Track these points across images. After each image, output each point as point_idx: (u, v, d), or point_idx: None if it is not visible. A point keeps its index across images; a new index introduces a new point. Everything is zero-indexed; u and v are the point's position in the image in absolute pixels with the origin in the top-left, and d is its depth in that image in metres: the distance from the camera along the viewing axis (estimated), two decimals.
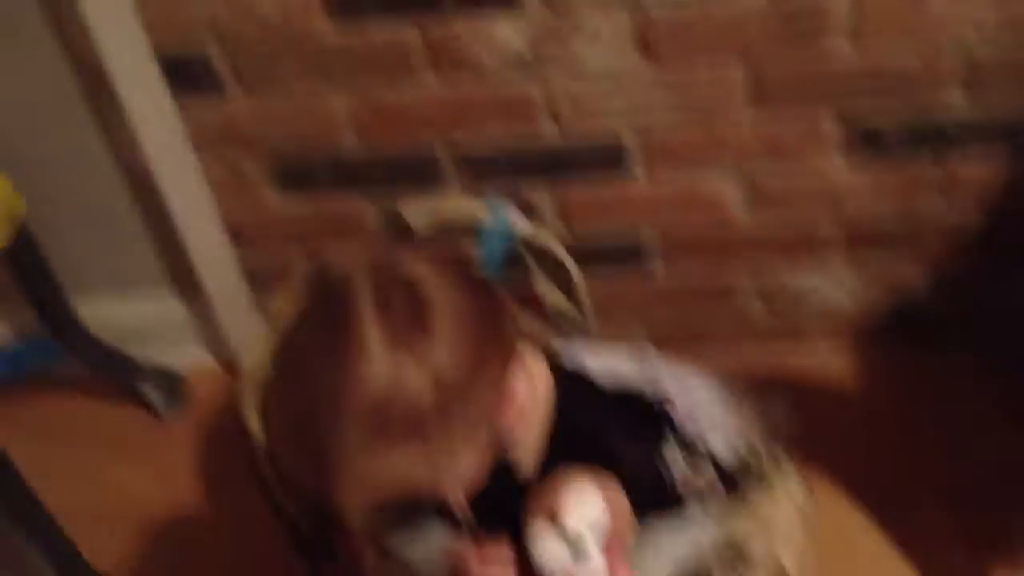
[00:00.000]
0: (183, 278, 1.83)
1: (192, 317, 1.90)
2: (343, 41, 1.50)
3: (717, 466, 1.04)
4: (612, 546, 0.94)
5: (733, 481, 1.05)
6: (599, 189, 1.63)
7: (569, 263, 1.16)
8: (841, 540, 1.53)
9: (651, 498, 1.01)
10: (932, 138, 1.55)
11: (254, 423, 1.36)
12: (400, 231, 1.22)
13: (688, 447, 1.03)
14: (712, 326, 1.80)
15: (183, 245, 1.74)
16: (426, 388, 0.85)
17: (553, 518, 0.94)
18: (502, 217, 1.19)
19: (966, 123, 1.53)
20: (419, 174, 1.63)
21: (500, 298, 0.93)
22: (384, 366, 0.84)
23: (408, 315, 0.86)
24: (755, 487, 1.06)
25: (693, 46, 1.47)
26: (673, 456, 1.02)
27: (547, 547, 0.95)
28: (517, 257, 1.18)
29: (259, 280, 1.81)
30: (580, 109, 1.55)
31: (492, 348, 0.90)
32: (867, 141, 1.56)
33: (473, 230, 1.18)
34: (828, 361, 1.81)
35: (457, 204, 1.26)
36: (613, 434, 1.03)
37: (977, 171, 1.58)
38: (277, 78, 1.54)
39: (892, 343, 1.80)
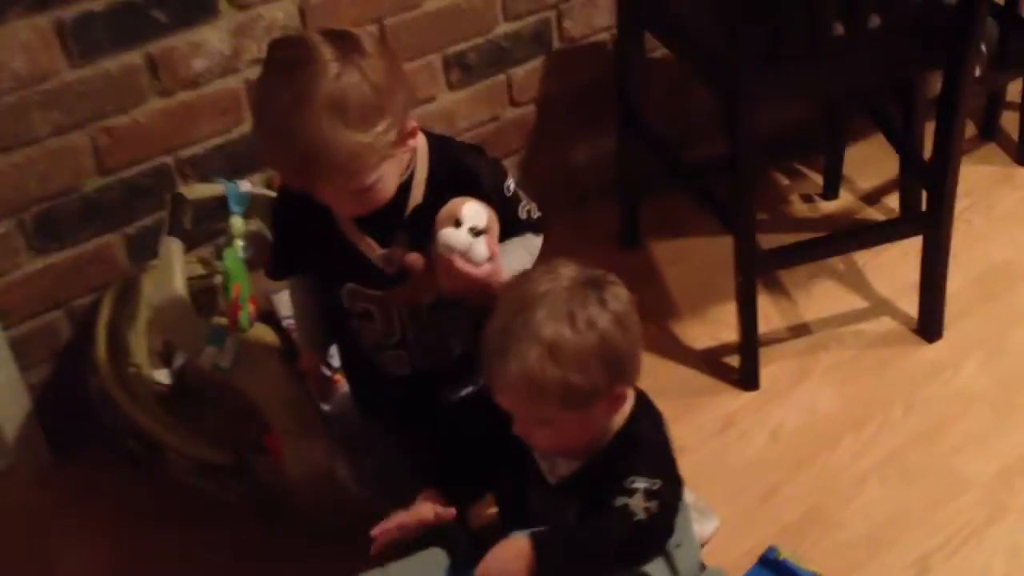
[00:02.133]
0: None
1: None
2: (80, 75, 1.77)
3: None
4: (491, 241, 1.44)
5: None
6: None
7: None
8: None
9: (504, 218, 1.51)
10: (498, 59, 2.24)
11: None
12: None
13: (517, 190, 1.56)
14: None
15: None
16: (368, 88, 1.32)
17: (456, 222, 1.42)
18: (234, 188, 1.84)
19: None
20: (155, 191, 1.91)
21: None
22: (336, 68, 1.31)
23: (349, 45, 1.34)
24: None
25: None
26: (513, 186, 1.55)
27: (452, 235, 1.41)
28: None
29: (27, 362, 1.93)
30: None
31: (404, 83, 1.40)
32: (462, 70, 2.19)
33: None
34: None
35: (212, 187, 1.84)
36: (477, 170, 1.51)
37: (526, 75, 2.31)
38: (25, 125, 1.75)
39: None
